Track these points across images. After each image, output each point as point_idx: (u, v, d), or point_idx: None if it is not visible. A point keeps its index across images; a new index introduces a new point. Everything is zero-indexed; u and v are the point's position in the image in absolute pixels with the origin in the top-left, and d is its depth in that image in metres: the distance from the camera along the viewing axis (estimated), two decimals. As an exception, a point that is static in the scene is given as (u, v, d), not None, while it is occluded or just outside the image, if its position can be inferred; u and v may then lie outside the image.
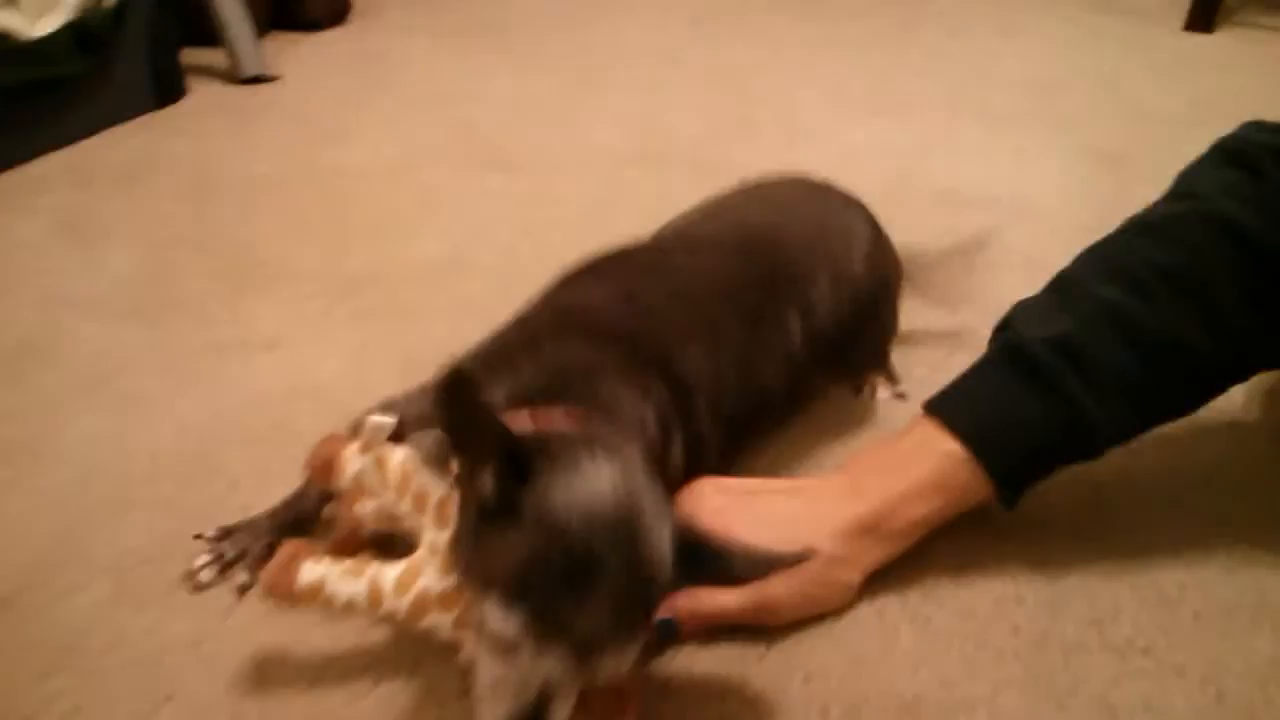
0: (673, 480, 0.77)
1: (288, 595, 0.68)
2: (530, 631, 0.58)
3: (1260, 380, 1.06)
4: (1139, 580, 0.83)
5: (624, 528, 0.60)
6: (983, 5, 2.52)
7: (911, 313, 1.16)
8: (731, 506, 0.78)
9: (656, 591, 0.62)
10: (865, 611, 0.80)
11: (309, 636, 0.77)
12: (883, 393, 1.07)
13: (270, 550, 0.76)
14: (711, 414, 0.83)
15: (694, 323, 0.85)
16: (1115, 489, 0.93)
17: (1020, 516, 0.84)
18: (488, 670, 0.61)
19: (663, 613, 0.66)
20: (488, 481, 0.60)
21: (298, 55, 2.13)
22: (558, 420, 0.68)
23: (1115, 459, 0.82)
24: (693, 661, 0.76)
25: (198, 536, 0.84)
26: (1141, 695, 0.73)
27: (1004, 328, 0.84)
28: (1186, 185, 0.87)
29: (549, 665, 0.58)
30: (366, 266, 1.30)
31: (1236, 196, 0.81)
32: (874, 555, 0.79)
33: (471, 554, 0.62)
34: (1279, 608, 0.80)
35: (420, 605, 0.66)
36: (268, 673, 0.75)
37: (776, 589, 0.74)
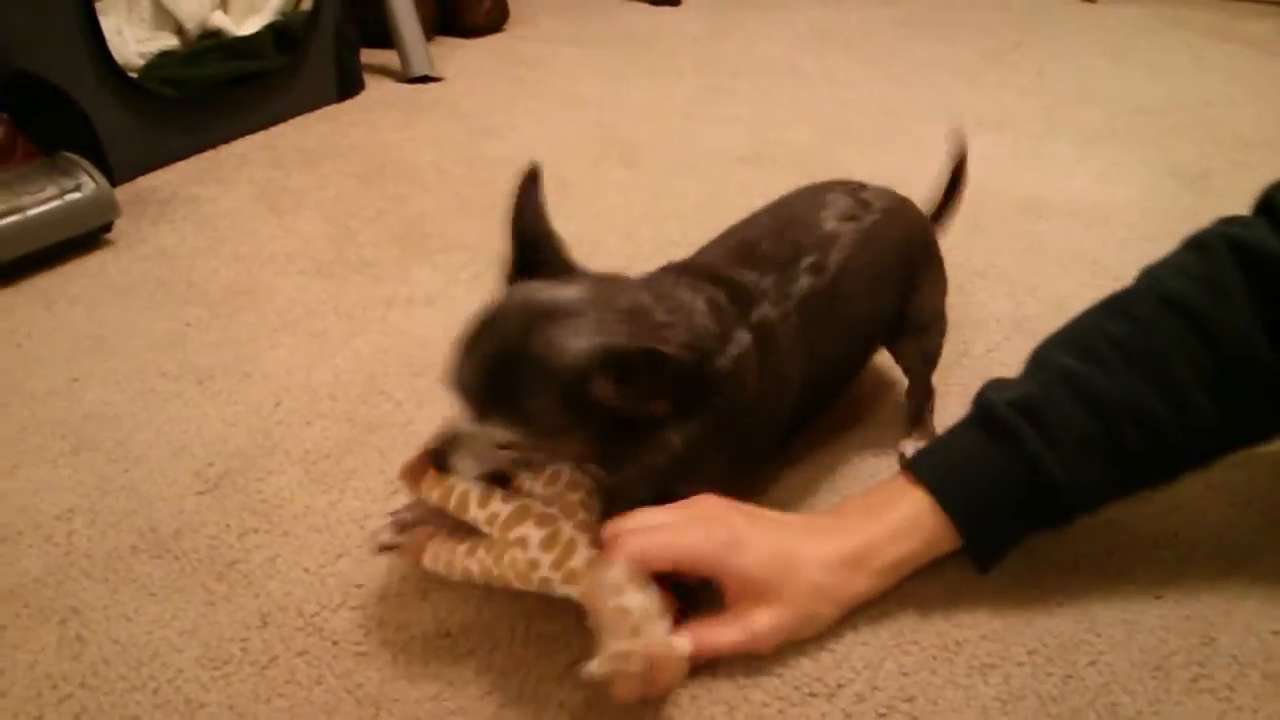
0: (742, 364, 0.85)
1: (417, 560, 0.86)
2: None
3: None
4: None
5: (522, 318, 0.76)
6: (1096, 30, 2.55)
7: (977, 299, 1.31)
8: (736, 516, 0.82)
9: (552, 379, 0.73)
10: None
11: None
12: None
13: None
14: (780, 313, 0.89)
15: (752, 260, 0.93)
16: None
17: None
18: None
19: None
20: None
21: (460, 58, 2.30)
22: None
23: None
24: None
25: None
26: None
27: (980, 395, 0.89)
28: (1147, 268, 0.91)
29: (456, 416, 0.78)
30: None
31: (1186, 275, 0.86)
32: (856, 589, 0.83)
33: None
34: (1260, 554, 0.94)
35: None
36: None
37: (762, 621, 0.79)
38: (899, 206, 1.05)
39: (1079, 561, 0.93)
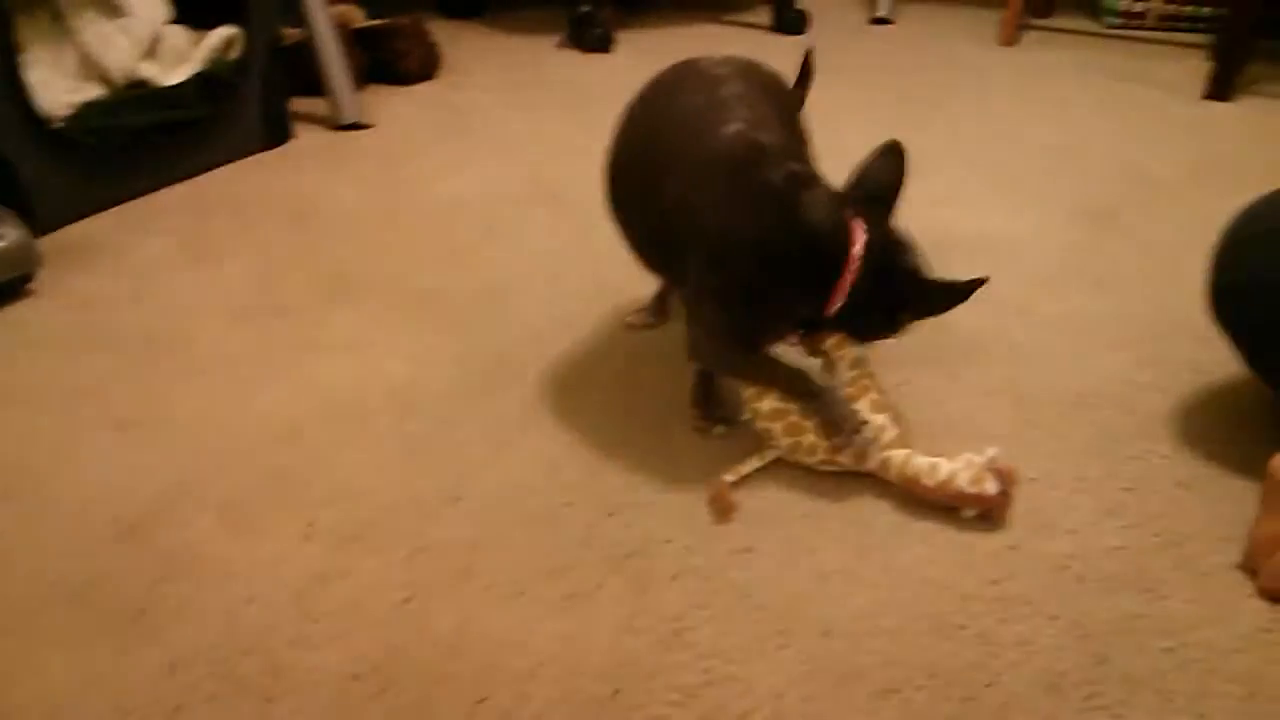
0: None
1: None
2: None
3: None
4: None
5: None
6: (1014, 75, 2.61)
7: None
8: None
9: None
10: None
11: (355, 566, 0.99)
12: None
13: None
14: None
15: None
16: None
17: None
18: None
19: None
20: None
21: (391, 106, 2.31)
22: None
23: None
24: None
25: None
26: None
27: None
28: None
29: None
30: (435, 286, 1.50)
31: None
32: None
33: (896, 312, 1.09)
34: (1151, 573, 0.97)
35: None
36: (328, 586, 0.96)
37: None
38: (750, 61, 1.21)
39: (980, 587, 0.95)
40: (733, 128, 1.05)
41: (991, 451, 1.03)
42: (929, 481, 1.03)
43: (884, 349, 1.15)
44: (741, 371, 1.13)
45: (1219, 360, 1.21)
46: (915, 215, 1.74)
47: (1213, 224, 1.16)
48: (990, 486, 1.01)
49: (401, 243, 1.66)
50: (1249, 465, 1.06)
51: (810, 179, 1.04)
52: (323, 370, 1.30)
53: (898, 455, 1.06)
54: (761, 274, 1.03)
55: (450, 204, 1.80)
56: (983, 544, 1.00)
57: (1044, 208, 1.78)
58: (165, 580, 0.96)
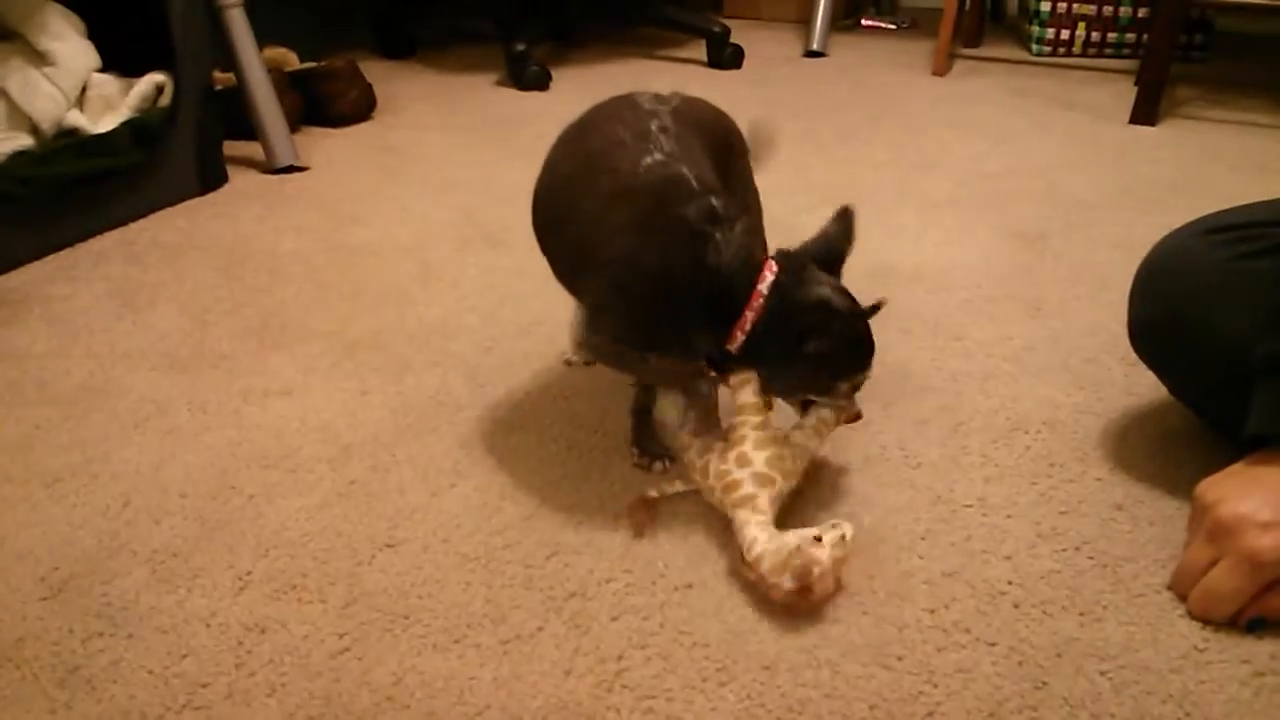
0: None
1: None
2: (868, 371, 1.07)
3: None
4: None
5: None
6: (944, 102, 2.67)
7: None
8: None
9: None
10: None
11: (291, 616, 0.97)
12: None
13: None
14: None
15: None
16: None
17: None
18: (843, 397, 1.09)
19: (1252, 615, 0.92)
20: (818, 344, 1.01)
21: (326, 147, 2.31)
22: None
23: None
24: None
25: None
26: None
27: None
28: None
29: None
30: (371, 329, 1.49)
31: None
32: None
33: (813, 374, 1.05)
34: (1086, 596, 0.98)
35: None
36: (264, 638, 0.94)
37: None
38: (693, 98, 1.21)
39: (917, 616, 0.96)
40: (652, 159, 1.06)
41: (839, 532, 0.96)
42: (746, 555, 0.97)
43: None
44: (625, 369, 1.17)
45: (1150, 382, 1.23)
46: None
47: (1142, 245, 1.19)
48: (786, 582, 0.93)
49: (337, 286, 1.65)
50: (1182, 487, 1.07)
51: (724, 213, 1.02)
52: (257, 418, 1.28)
53: (740, 515, 1.01)
54: (660, 303, 1.02)
55: (387, 245, 1.79)
56: (919, 573, 1.01)
57: (976, 234, 1.81)
58: (98, 636, 0.94)
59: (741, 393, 1.05)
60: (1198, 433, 1.20)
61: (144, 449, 1.22)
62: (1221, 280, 1.07)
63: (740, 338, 1.02)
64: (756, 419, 1.05)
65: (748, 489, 1.01)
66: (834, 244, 1.09)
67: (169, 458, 1.20)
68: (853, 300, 1.05)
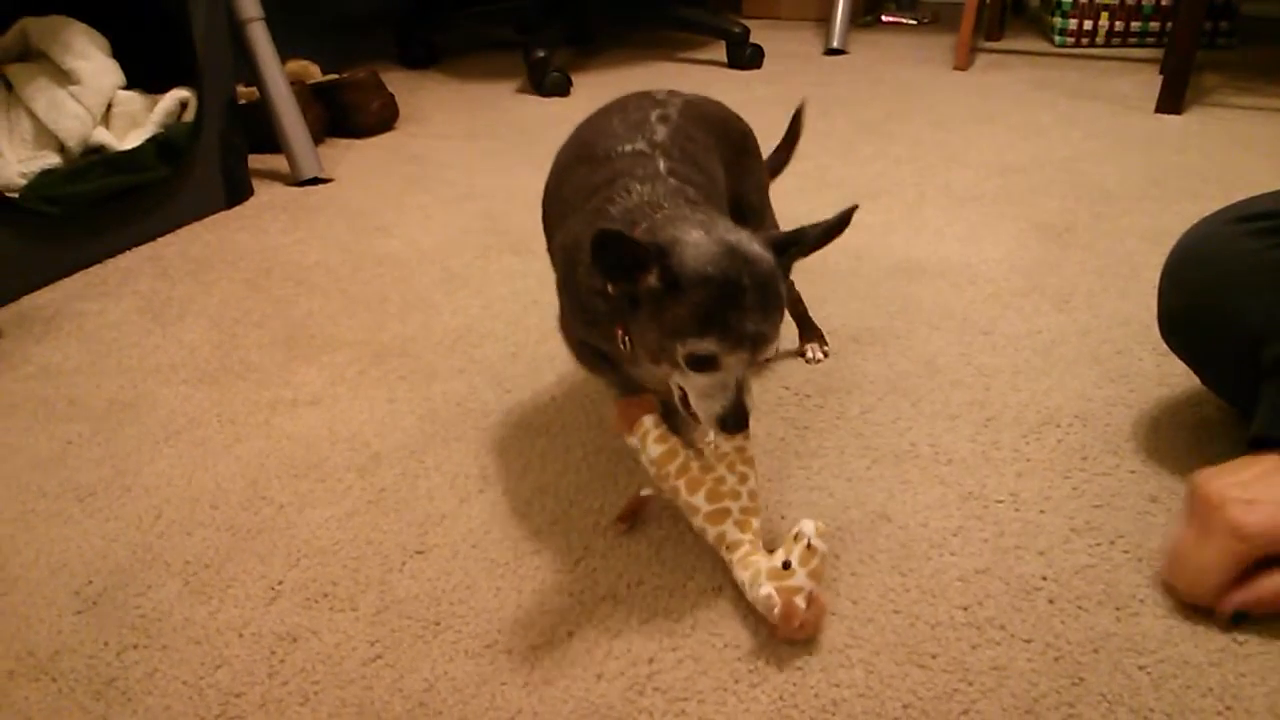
0: None
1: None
2: (720, 345, 0.84)
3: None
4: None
5: (740, 256, 0.85)
6: (966, 97, 2.65)
7: (851, 362, 1.35)
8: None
9: (779, 287, 0.87)
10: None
11: (323, 624, 0.98)
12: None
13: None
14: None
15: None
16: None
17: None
18: (698, 385, 0.88)
19: (1234, 605, 0.90)
20: (653, 279, 0.85)
21: (350, 158, 2.33)
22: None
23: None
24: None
25: None
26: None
27: None
28: None
29: (738, 362, 0.86)
30: (398, 337, 1.50)
31: None
32: None
33: (655, 333, 0.87)
34: (1123, 590, 0.97)
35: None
36: (297, 647, 0.95)
37: None
38: (709, 99, 1.22)
39: (950, 614, 0.95)
40: (632, 145, 1.05)
41: (802, 543, 0.92)
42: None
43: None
44: (589, 368, 1.14)
45: (1183, 373, 1.22)
46: (874, 242, 1.76)
47: (1170, 235, 1.17)
48: (780, 623, 0.91)
49: (364, 295, 1.65)
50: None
51: (679, 194, 0.98)
52: (287, 428, 1.29)
53: (725, 556, 0.98)
54: (587, 292, 0.98)
55: (412, 254, 1.80)
56: (951, 570, 1.00)
57: (1002, 227, 1.79)
58: (132, 648, 0.95)
59: (647, 446, 1.01)
60: (1233, 421, 1.18)
61: (175, 461, 1.23)
62: (1250, 268, 1.06)
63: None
64: (678, 462, 1.00)
65: (712, 532, 0.98)
66: (804, 230, 0.93)
67: (200, 469, 1.21)
68: (747, 247, 0.87)
